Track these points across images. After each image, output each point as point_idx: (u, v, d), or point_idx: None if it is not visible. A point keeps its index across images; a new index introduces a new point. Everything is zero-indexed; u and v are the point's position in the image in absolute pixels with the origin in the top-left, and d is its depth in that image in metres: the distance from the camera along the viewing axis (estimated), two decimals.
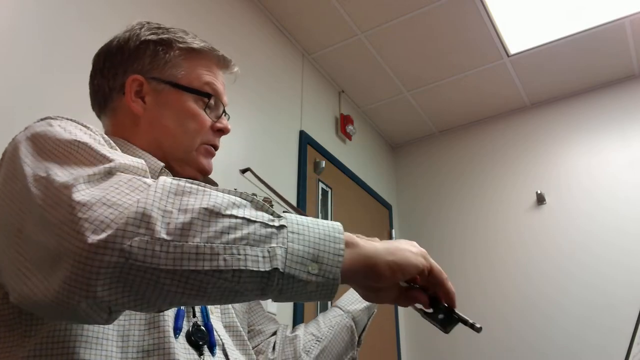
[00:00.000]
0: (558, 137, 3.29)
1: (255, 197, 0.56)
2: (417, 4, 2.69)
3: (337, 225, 0.56)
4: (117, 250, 0.46)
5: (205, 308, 0.77)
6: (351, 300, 1.00)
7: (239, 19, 2.54)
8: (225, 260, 0.49)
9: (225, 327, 0.80)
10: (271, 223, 0.53)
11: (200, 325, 0.74)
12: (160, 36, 0.87)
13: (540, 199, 3.16)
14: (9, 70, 1.47)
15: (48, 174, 0.55)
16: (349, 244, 0.56)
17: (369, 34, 2.88)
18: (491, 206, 3.35)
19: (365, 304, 0.99)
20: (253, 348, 0.89)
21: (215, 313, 0.80)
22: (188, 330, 0.72)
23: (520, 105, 3.48)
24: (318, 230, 0.54)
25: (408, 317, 3.37)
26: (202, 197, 0.51)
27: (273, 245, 0.51)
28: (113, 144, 0.74)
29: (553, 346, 2.82)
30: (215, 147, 0.90)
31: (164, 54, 0.86)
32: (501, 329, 3.01)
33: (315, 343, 0.94)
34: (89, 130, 0.69)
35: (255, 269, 0.49)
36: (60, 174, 0.54)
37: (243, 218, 0.51)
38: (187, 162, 0.86)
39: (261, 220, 0.52)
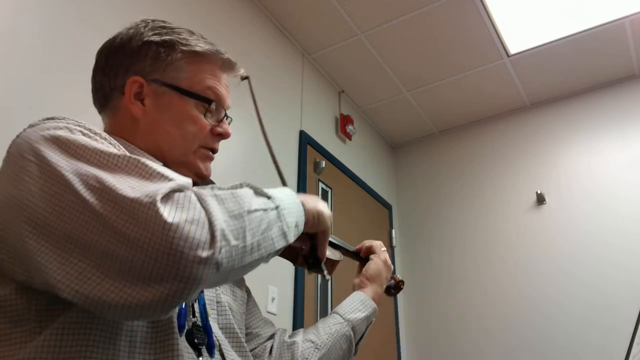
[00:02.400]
0: (558, 137, 3.29)
1: (252, 185, 0.70)
2: (417, 4, 2.69)
3: (294, 194, 0.77)
4: (214, 264, 0.55)
5: (204, 309, 0.77)
6: (351, 309, 0.99)
7: (239, 19, 2.54)
8: (265, 248, 0.63)
9: (221, 328, 0.80)
10: (272, 206, 0.67)
11: (199, 326, 0.74)
12: (163, 37, 0.85)
13: (540, 199, 3.16)
14: (9, 70, 1.47)
15: (105, 186, 0.56)
16: (302, 204, 0.77)
17: (369, 34, 2.88)
18: (491, 206, 3.35)
19: (364, 313, 0.99)
20: (250, 351, 0.89)
21: (212, 314, 0.79)
22: (187, 330, 0.72)
23: (520, 105, 3.48)
24: (291, 202, 0.73)
25: (408, 316, 3.37)
26: (233, 200, 0.62)
27: (280, 224, 0.67)
28: (115, 143, 0.74)
29: (553, 346, 2.82)
30: (214, 151, 0.89)
31: (165, 56, 0.84)
32: (501, 328, 3.01)
33: (314, 350, 0.93)
34: (103, 136, 0.68)
35: (279, 247, 0.67)
36: (122, 188, 0.56)
37: (262, 209, 0.65)
38: (185, 165, 0.85)
39: (269, 207, 0.67)
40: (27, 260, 0.59)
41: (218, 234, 0.56)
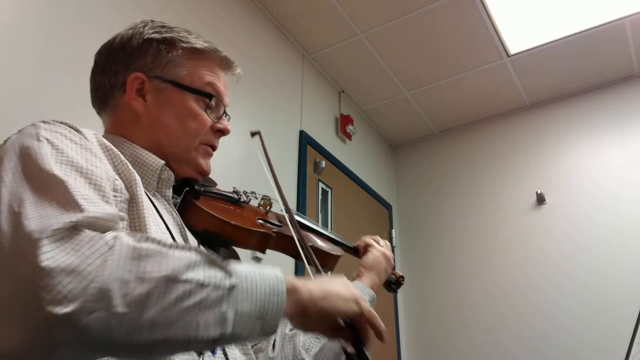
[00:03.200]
0: (558, 137, 3.29)
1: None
2: (417, 4, 2.69)
3: (280, 276, 0.59)
4: (73, 327, 0.46)
5: None
6: None
7: (239, 19, 2.54)
8: (178, 329, 0.50)
9: None
10: (223, 284, 0.54)
11: None
12: (163, 35, 0.87)
13: (540, 199, 3.16)
14: (8, 70, 1.47)
15: (20, 212, 0.53)
16: (289, 291, 0.59)
17: (369, 34, 2.88)
18: (491, 206, 3.34)
19: None
20: (252, 347, 0.89)
21: None
22: None
23: (520, 105, 3.48)
24: (264, 286, 0.57)
25: (408, 316, 3.37)
26: (160, 261, 0.52)
27: (222, 308, 0.53)
28: (110, 146, 0.74)
29: (553, 346, 2.82)
30: (214, 148, 0.90)
31: (166, 53, 0.86)
32: (501, 328, 3.01)
33: (315, 340, 0.94)
34: (80, 139, 0.68)
35: (205, 336, 0.52)
36: (31, 217, 0.52)
37: (197, 282, 0.52)
38: (186, 161, 0.86)
39: (214, 283, 0.54)
40: None
41: (94, 292, 0.47)
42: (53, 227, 0.50)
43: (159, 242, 0.55)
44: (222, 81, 0.91)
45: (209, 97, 0.87)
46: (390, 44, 2.95)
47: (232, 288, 0.55)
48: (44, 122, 0.70)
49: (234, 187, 1.00)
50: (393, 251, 1.19)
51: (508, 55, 3.04)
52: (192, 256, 0.55)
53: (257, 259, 2.14)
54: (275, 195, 0.93)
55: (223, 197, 0.95)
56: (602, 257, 2.86)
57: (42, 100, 1.53)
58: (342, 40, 2.93)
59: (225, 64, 0.92)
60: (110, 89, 0.86)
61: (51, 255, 0.48)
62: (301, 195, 2.62)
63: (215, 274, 0.55)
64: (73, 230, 0.51)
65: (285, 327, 0.96)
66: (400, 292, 1.05)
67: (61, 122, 0.71)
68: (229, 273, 0.56)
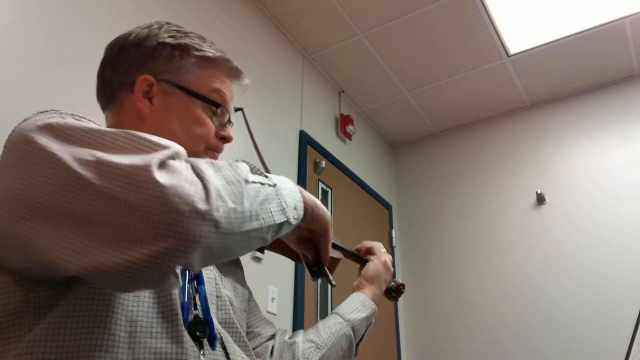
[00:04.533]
0: (558, 137, 3.29)
1: (250, 163, 0.72)
2: (417, 4, 2.69)
3: (291, 181, 0.75)
4: (212, 221, 0.53)
5: (206, 302, 0.77)
6: (351, 309, 0.99)
7: (239, 19, 2.54)
8: (263, 219, 0.62)
9: (220, 323, 0.81)
10: (271, 183, 0.67)
11: (201, 318, 0.74)
12: (178, 40, 0.87)
13: (540, 199, 3.16)
14: (8, 70, 1.47)
15: (98, 157, 0.56)
16: (300, 192, 0.75)
17: (369, 34, 2.88)
18: (491, 206, 3.35)
19: (364, 313, 0.99)
20: (253, 349, 0.89)
21: (212, 309, 0.80)
22: (189, 322, 0.72)
23: (520, 105, 3.48)
24: (289, 185, 0.72)
25: (408, 317, 3.37)
26: (230, 169, 0.62)
27: (279, 200, 0.67)
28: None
29: (553, 346, 2.82)
30: (219, 152, 0.92)
31: (179, 59, 0.86)
32: (501, 328, 3.01)
33: (315, 350, 0.94)
34: (92, 122, 0.69)
35: (278, 221, 0.65)
36: (116, 157, 0.55)
37: (259, 182, 0.65)
38: None
39: (267, 182, 0.67)
40: (29, 246, 0.59)
41: (213, 192, 0.55)
42: (153, 158, 0.55)
43: (216, 160, 0.63)
44: (228, 89, 0.92)
45: (216, 105, 0.88)
46: (390, 44, 2.95)
47: (275, 185, 0.68)
48: (47, 110, 0.70)
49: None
50: (393, 251, 1.19)
51: (508, 55, 3.04)
52: (244, 165, 0.66)
53: (257, 259, 2.14)
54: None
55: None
56: (602, 257, 2.86)
57: (42, 100, 1.53)
58: (342, 40, 2.93)
59: (235, 74, 0.93)
60: (118, 87, 0.87)
61: (165, 176, 0.53)
62: None
63: (261, 177, 0.67)
64: (166, 161, 0.56)
65: (284, 335, 0.96)
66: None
67: (67, 112, 0.71)
68: (267, 176, 0.69)
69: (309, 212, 0.77)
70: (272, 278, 2.27)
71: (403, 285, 1.14)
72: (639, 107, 3.10)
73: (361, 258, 1.10)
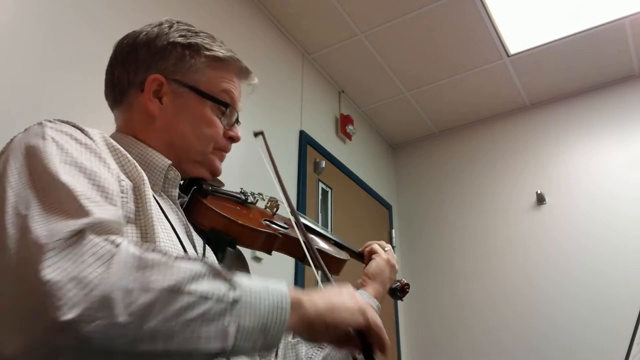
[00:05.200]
0: (558, 137, 3.29)
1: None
2: (417, 4, 2.69)
3: (284, 290, 0.59)
4: (74, 335, 0.46)
5: None
6: None
7: (239, 19, 2.54)
8: (180, 341, 0.50)
9: None
10: (226, 297, 0.54)
11: None
12: (189, 40, 0.87)
13: (540, 199, 3.16)
14: (8, 70, 1.47)
15: (27, 215, 0.54)
16: (294, 306, 0.59)
17: (369, 34, 2.88)
18: (491, 206, 3.34)
19: None
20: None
21: None
22: None
23: (520, 105, 3.48)
24: (268, 301, 0.57)
25: (408, 317, 3.37)
26: (164, 272, 0.52)
27: (224, 322, 0.53)
28: (117, 146, 0.74)
29: (553, 346, 2.82)
30: (227, 152, 0.93)
31: (190, 58, 0.86)
32: (501, 328, 3.01)
33: (318, 350, 0.94)
34: (86, 139, 0.68)
35: (206, 349, 0.51)
36: (37, 221, 0.53)
37: (200, 295, 0.52)
38: (202, 163, 0.88)
39: (217, 296, 0.53)
40: None
41: (96, 301, 0.47)
42: (60, 233, 0.51)
43: (164, 253, 0.55)
44: (237, 89, 0.93)
45: (225, 105, 0.88)
46: (390, 44, 2.95)
47: (235, 301, 0.54)
48: (50, 121, 0.70)
49: (241, 188, 1.00)
50: (393, 251, 1.19)
51: (508, 55, 3.04)
52: (197, 267, 0.55)
53: (257, 259, 2.14)
54: (280, 196, 0.94)
55: (230, 197, 0.95)
56: (602, 257, 2.86)
57: (42, 100, 1.53)
58: (342, 40, 2.93)
59: (244, 74, 0.95)
60: (128, 86, 0.86)
61: (56, 264, 0.48)
62: (301, 195, 2.62)
63: (219, 287, 0.54)
64: (79, 236, 0.52)
65: (288, 336, 0.96)
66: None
67: (67, 122, 0.71)
68: (233, 286, 0.56)
69: (319, 324, 0.62)
70: (272, 278, 2.26)
71: (408, 285, 1.14)
72: (639, 107, 3.10)
73: (365, 258, 1.10)
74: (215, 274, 0.56)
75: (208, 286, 0.54)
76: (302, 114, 2.87)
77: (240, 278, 0.57)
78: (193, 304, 0.51)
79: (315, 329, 0.62)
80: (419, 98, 3.40)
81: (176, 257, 0.55)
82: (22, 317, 0.48)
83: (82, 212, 0.55)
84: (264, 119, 2.53)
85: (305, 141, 2.79)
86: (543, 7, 2.72)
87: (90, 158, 0.66)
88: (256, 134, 1.00)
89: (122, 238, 0.55)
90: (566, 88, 3.31)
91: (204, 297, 0.52)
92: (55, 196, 0.57)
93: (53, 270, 0.47)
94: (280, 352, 0.93)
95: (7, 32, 1.50)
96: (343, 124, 3.21)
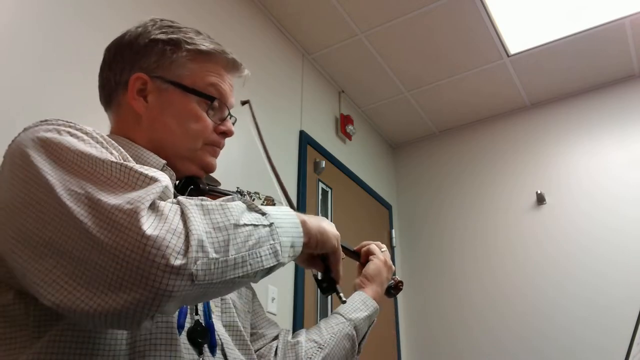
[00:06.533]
0: (558, 137, 3.29)
1: (254, 196, 0.69)
2: (417, 4, 2.69)
3: (293, 212, 0.74)
4: (187, 275, 0.53)
5: (208, 307, 0.77)
6: (353, 308, 0.99)
7: (238, 19, 2.54)
8: (250, 265, 0.60)
9: (225, 326, 0.80)
10: (265, 223, 0.65)
11: (202, 324, 0.74)
12: (169, 36, 0.86)
13: (540, 199, 3.16)
14: (8, 70, 1.47)
15: (87, 192, 0.57)
16: (302, 224, 0.73)
17: (369, 34, 2.88)
18: (491, 206, 3.34)
19: (366, 312, 0.99)
20: (255, 352, 0.89)
21: (216, 312, 0.80)
22: (189, 328, 0.72)
23: (520, 105, 3.48)
24: (288, 221, 0.70)
25: (408, 316, 3.37)
26: (222, 212, 0.61)
27: (272, 242, 0.65)
28: (114, 143, 0.74)
29: (553, 346, 2.82)
30: (220, 147, 0.91)
31: (171, 54, 0.85)
32: (501, 328, 3.01)
33: (318, 350, 0.93)
34: (93, 135, 0.69)
35: (267, 266, 0.63)
36: (105, 195, 0.56)
37: (251, 224, 0.63)
38: (191, 160, 0.86)
39: (260, 223, 0.65)
40: (17, 269, 0.59)
41: (194, 244, 0.54)
42: (140, 200, 0.55)
43: (210, 200, 0.63)
44: (227, 82, 0.90)
45: (211, 99, 0.86)
46: (390, 44, 2.95)
47: (271, 225, 0.66)
48: (49, 120, 0.70)
49: (237, 187, 1.00)
50: (393, 251, 1.19)
51: (508, 55, 3.04)
52: (239, 204, 0.64)
53: None
54: (273, 185, 0.95)
55: (227, 196, 0.95)
56: (602, 257, 2.86)
57: (42, 100, 1.53)
58: (342, 40, 2.93)
59: (232, 66, 0.91)
60: (115, 87, 0.87)
61: (149, 222, 0.54)
62: (301, 195, 2.62)
63: (257, 216, 0.65)
64: (154, 202, 0.56)
65: (287, 335, 0.96)
66: (400, 292, 1.05)
67: (65, 121, 0.71)
68: (264, 214, 0.67)
69: (314, 240, 0.76)
70: (272, 278, 2.26)
71: (402, 282, 1.14)
72: (639, 107, 3.10)
73: (359, 256, 1.10)
74: (249, 207, 0.66)
75: (252, 217, 0.64)
76: (302, 114, 2.87)
77: (264, 207, 0.68)
78: (250, 233, 0.62)
79: (310, 242, 0.75)
80: (419, 98, 3.40)
81: (224, 199, 0.65)
82: (125, 275, 0.52)
83: (147, 183, 0.59)
84: (264, 119, 2.53)
85: (305, 141, 2.79)
86: (543, 7, 2.72)
87: (100, 144, 0.68)
88: (243, 103, 0.99)
89: (175, 199, 0.60)
90: (566, 88, 3.31)
91: (254, 226, 0.63)
92: (104, 173, 0.59)
93: (149, 227, 0.53)
94: (279, 352, 0.92)
95: (7, 32, 1.50)
96: (343, 124, 3.21)
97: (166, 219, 0.55)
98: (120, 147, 0.75)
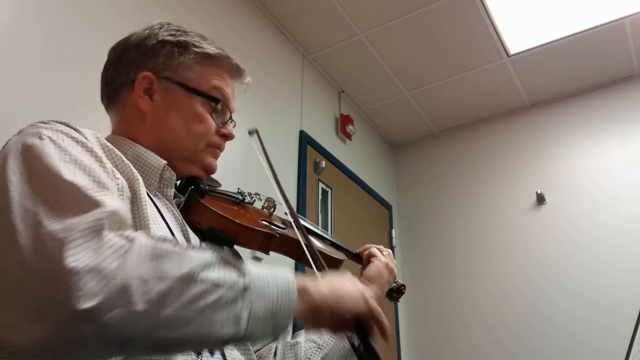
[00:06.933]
0: (558, 137, 3.29)
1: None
2: (417, 4, 2.69)
3: (291, 276, 0.62)
4: (94, 323, 0.47)
5: None
6: None
7: (239, 19, 2.54)
8: (195, 327, 0.52)
9: None
10: (237, 284, 0.56)
11: None
12: (177, 38, 0.88)
13: (540, 199, 3.16)
14: (8, 70, 1.47)
15: (36, 211, 0.54)
16: (300, 291, 0.61)
17: (369, 34, 2.88)
18: (491, 206, 3.34)
19: None
20: (254, 352, 0.89)
21: None
22: None
23: (520, 105, 3.48)
24: (276, 287, 0.59)
25: (408, 316, 3.37)
26: (178, 261, 0.53)
27: (238, 308, 0.55)
28: (110, 146, 0.74)
29: (553, 346, 2.82)
30: (221, 149, 0.92)
31: (178, 56, 0.87)
32: (501, 328, 3.01)
33: (317, 350, 0.94)
34: (81, 137, 0.69)
35: (220, 335, 0.53)
36: (49, 218, 0.53)
37: (213, 282, 0.54)
38: (193, 161, 0.88)
39: (229, 283, 0.55)
40: None
41: (114, 289, 0.48)
42: (78, 226, 0.52)
43: (176, 244, 0.56)
44: (230, 87, 0.92)
45: (215, 101, 0.88)
46: (390, 44, 2.95)
47: (245, 288, 0.56)
48: (44, 122, 0.70)
49: (238, 188, 1.00)
50: (393, 251, 1.19)
51: (508, 55, 3.04)
52: (208, 257, 0.56)
53: (258, 259, 2.14)
54: (277, 195, 0.94)
55: (228, 197, 0.95)
56: (602, 257, 2.86)
57: (42, 100, 1.53)
58: (342, 40, 2.93)
59: (236, 72, 0.94)
60: (120, 86, 0.87)
61: (75, 256, 0.49)
62: (301, 195, 2.62)
63: (230, 274, 0.56)
64: (94, 229, 0.52)
65: (286, 336, 0.96)
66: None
67: (61, 122, 0.71)
68: (242, 273, 0.57)
69: (325, 310, 0.64)
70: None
71: (404, 286, 1.14)
72: (639, 107, 3.10)
73: (361, 259, 1.10)
74: (225, 263, 0.57)
75: (219, 274, 0.55)
76: (302, 114, 2.87)
77: (248, 266, 0.59)
78: (206, 291, 0.53)
79: (320, 314, 0.64)
80: (419, 98, 3.40)
81: (187, 247, 0.56)
82: (39, 308, 0.48)
83: (94, 204, 0.56)
84: (264, 119, 2.53)
85: (305, 141, 2.79)
86: (543, 7, 2.72)
87: (87, 156, 0.66)
88: (250, 132, 0.99)
89: (134, 232, 0.56)
90: (566, 88, 3.31)
91: (217, 285, 0.54)
92: (60, 194, 0.57)
93: (73, 261, 0.48)
94: (279, 353, 0.93)
95: (7, 32, 1.50)
96: (343, 124, 3.21)
97: (99, 255, 0.50)
98: (118, 151, 0.75)
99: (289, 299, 0.59)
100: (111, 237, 0.52)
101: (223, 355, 0.75)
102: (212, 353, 0.73)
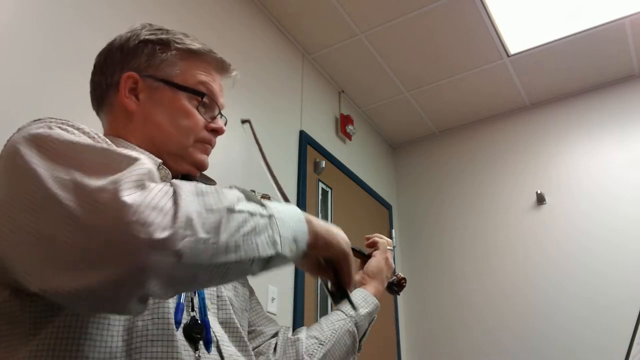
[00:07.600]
0: (558, 137, 3.29)
1: (252, 192, 0.67)
2: (417, 4, 2.69)
3: (299, 210, 0.72)
4: (172, 251, 0.51)
5: (204, 303, 0.77)
6: (354, 305, 1.00)
7: (239, 19, 2.54)
8: (246, 252, 0.58)
9: (220, 323, 0.81)
10: (264, 213, 0.64)
11: (197, 320, 0.74)
12: (159, 36, 0.88)
13: (540, 199, 3.16)
14: (8, 70, 1.47)
15: (73, 177, 0.55)
16: (307, 222, 0.72)
17: (369, 34, 2.88)
18: (491, 206, 3.35)
19: (367, 309, 1.00)
20: (254, 349, 0.89)
21: (212, 309, 0.80)
22: (186, 324, 0.72)
23: (520, 105, 3.48)
24: (291, 216, 0.68)
25: (408, 316, 3.37)
26: (217, 196, 0.59)
27: (270, 232, 0.63)
28: (108, 141, 0.75)
29: (553, 346, 2.82)
30: (211, 145, 0.91)
31: (161, 53, 0.87)
32: (501, 328, 3.01)
33: (318, 346, 0.94)
34: (87, 129, 0.69)
35: (264, 254, 0.61)
36: (89, 178, 0.55)
37: (248, 212, 0.61)
38: (182, 157, 0.87)
39: (259, 212, 0.63)
40: (11, 264, 0.59)
41: (181, 220, 0.52)
42: (123, 179, 0.53)
43: (205, 185, 0.61)
44: (217, 82, 0.92)
45: (201, 95, 0.88)
46: (390, 44, 2.95)
47: (271, 217, 0.64)
48: (41, 119, 0.70)
49: (231, 186, 1.00)
50: (393, 251, 1.19)
51: (508, 55, 3.04)
52: (236, 192, 0.63)
53: None
54: (274, 192, 0.94)
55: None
56: (602, 257, 2.86)
57: (42, 100, 1.53)
58: (342, 40, 2.93)
59: (221, 66, 0.93)
60: (106, 89, 0.88)
61: (133, 197, 0.52)
62: (301, 195, 2.62)
63: (255, 206, 0.63)
64: (138, 183, 0.55)
65: (287, 332, 0.96)
66: (402, 291, 1.05)
67: (57, 119, 0.72)
68: (264, 206, 0.65)
69: (321, 241, 0.74)
70: (272, 278, 2.27)
71: (405, 279, 1.14)
72: (639, 107, 3.10)
73: (364, 254, 1.10)
74: (248, 197, 0.64)
75: (249, 206, 0.62)
76: (302, 114, 2.87)
77: (267, 202, 0.67)
78: (246, 219, 0.60)
79: (318, 243, 0.73)
80: (419, 98, 3.40)
81: (216, 187, 0.62)
82: (106, 252, 0.50)
83: (131, 160, 0.58)
84: (264, 119, 2.53)
85: (305, 141, 2.79)
86: (543, 7, 2.72)
87: (97, 140, 0.68)
88: (243, 122, 0.99)
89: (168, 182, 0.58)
90: (566, 88, 3.31)
91: (251, 214, 0.61)
92: (89, 160, 0.58)
93: (133, 200, 0.51)
94: (279, 349, 0.93)
95: (7, 32, 1.50)
96: (343, 124, 3.21)
97: (154, 196, 0.53)
98: (112, 143, 0.75)
99: (303, 227, 0.70)
100: (155, 185, 0.55)
101: (219, 352, 0.75)
102: (208, 349, 0.73)
